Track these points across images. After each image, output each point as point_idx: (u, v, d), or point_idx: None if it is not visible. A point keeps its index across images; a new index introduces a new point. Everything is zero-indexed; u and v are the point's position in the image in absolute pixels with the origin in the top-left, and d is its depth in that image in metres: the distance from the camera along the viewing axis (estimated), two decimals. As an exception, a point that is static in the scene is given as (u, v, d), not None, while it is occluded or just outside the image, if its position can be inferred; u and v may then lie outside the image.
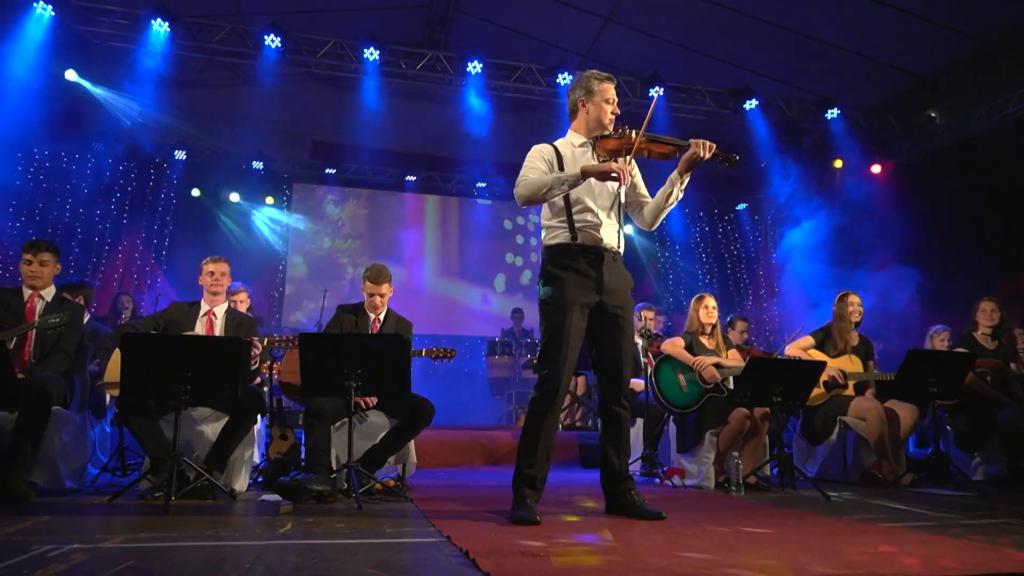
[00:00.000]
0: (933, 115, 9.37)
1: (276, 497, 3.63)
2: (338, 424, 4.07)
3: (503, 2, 9.46)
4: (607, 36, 9.57)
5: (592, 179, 3.06)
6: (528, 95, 8.87)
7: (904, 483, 4.70)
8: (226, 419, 3.94)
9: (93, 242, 9.85)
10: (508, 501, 3.16)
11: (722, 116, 9.38)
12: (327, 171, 11.06)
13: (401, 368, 3.74)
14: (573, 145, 3.28)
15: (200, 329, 4.31)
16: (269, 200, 10.93)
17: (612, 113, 3.26)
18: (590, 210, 3.17)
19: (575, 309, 3.08)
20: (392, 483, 4.28)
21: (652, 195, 3.35)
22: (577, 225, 3.15)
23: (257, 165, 10.62)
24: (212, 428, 3.95)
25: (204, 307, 4.38)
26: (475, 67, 8.22)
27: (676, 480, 4.74)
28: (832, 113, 9.03)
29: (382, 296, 4.51)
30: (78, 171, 9.59)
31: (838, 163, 9.72)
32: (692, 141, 3.11)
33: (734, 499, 4.01)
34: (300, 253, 11.26)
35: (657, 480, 4.92)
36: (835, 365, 5.15)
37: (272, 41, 7.63)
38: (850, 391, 5.16)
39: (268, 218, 11.02)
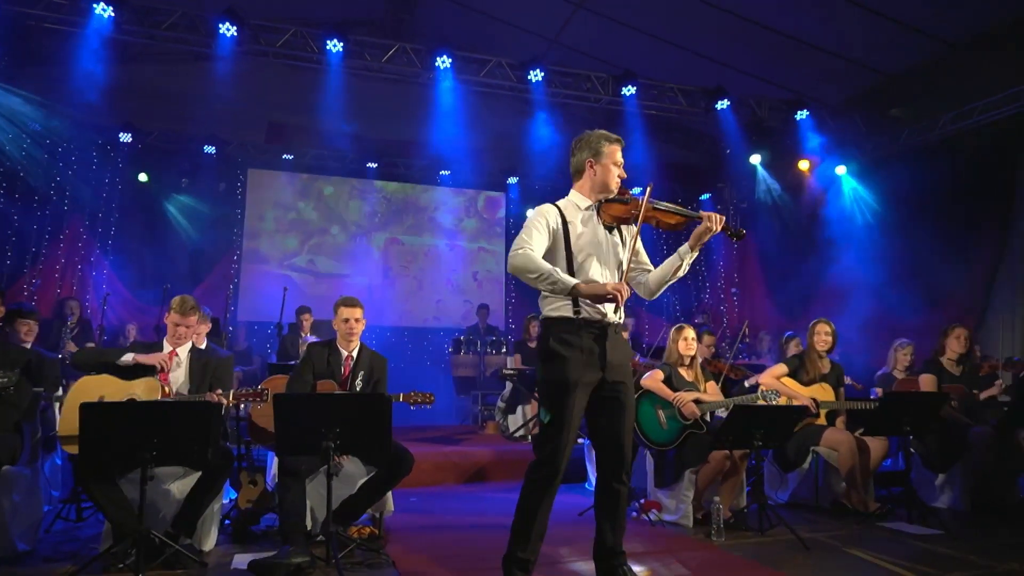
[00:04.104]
0: (897, 115, 9.45)
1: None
2: (312, 479, 3.90)
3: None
4: (577, 23, 9.31)
5: (601, 242, 3.08)
6: (498, 90, 8.55)
7: (872, 510, 4.81)
8: (194, 475, 3.73)
9: (32, 231, 9.25)
10: (495, 552, 3.09)
11: (693, 113, 9.27)
12: (284, 156, 10.58)
13: (382, 426, 3.57)
14: (579, 208, 3.15)
15: (159, 374, 4.04)
16: (222, 186, 10.42)
17: (619, 176, 3.15)
18: (595, 282, 3.04)
19: (578, 390, 2.97)
20: (368, 530, 4.16)
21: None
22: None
23: (209, 149, 10.06)
24: (180, 487, 3.73)
25: (167, 347, 4.11)
26: (444, 61, 7.87)
27: (653, 515, 4.74)
28: (802, 114, 9.01)
29: (357, 320, 4.33)
30: (12, 153, 8.91)
31: (803, 164, 9.74)
32: (703, 214, 3.02)
33: (715, 549, 4.02)
34: (255, 243, 10.81)
35: (634, 512, 4.91)
36: (807, 393, 5.19)
37: (227, 30, 7.13)
38: (822, 419, 5.23)
39: (219, 206, 10.50)
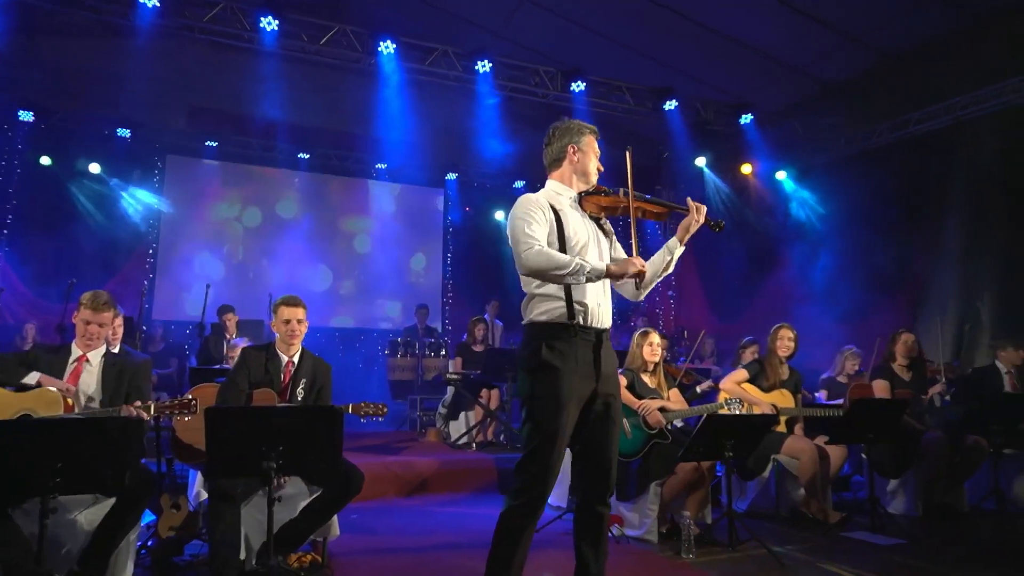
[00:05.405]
0: (834, 124, 9.60)
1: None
2: (247, 502, 3.44)
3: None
4: (524, 17, 9.02)
5: (591, 248, 2.79)
6: (443, 80, 8.15)
7: (832, 521, 4.72)
8: (107, 502, 3.20)
9: (-89, 217, 8.23)
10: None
11: (640, 113, 9.14)
12: (207, 143, 9.82)
13: (332, 442, 3.15)
14: (564, 197, 2.86)
15: (67, 379, 3.48)
16: (136, 174, 9.57)
17: (597, 168, 2.91)
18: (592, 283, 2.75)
19: (572, 406, 2.65)
20: (310, 558, 3.73)
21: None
22: (576, 299, 2.71)
23: (123, 132, 9.22)
24: (89, 516, 3.18)
25: (75, 352, 3.55)
26: (387, 47, 7.42)
27: (616, 529, 4.49)
28: (746, 118, 9.02)
29: (300, 322, 3.88)
30: None
31: (746, 168, 9.79)
32: (689, 203, 2.79)
33: (688, 568, 3.80)
34: (174, 236, 10.00)
35: (594, 528, 4.64)
36: (767, 399, 5.09)
37: (148, 0, 6.46)
38: (781, 427, 5.12)
39: (134, 195, 9.65)
